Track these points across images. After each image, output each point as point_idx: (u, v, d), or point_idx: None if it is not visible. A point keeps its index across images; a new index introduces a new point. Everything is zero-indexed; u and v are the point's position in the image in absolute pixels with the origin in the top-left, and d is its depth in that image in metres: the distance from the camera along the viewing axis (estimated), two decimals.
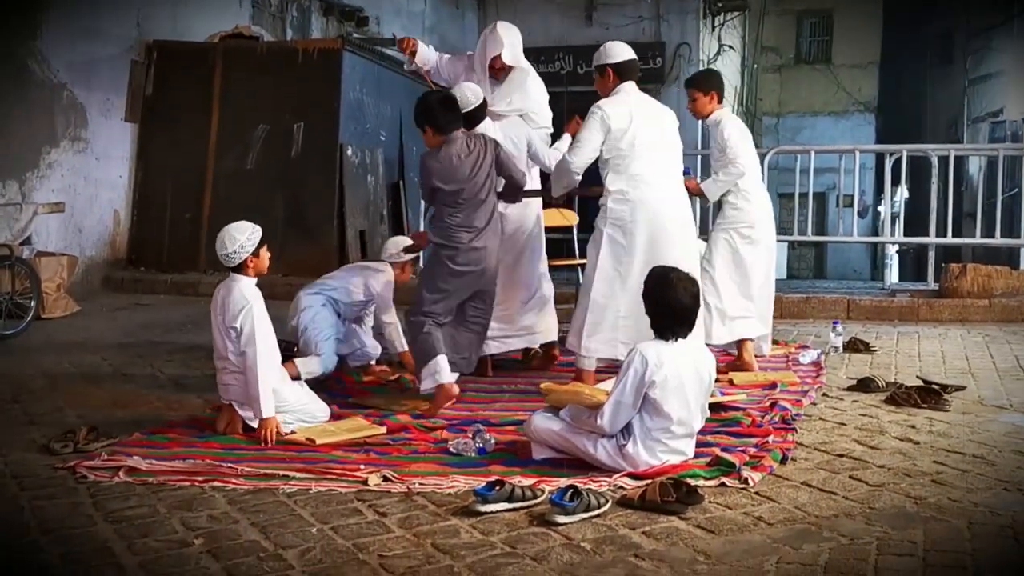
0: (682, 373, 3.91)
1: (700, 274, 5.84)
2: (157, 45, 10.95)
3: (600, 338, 5.37)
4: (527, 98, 6.19)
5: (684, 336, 3.99)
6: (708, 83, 6.31)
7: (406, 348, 5.78)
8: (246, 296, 4.57)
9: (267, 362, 4.57)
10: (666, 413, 3.88)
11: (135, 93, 10.75)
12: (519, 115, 6.11)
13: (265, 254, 4.68)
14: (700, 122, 6.63)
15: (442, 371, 5.04)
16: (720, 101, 6.26)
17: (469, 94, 5.64)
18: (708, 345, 5.96)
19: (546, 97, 6.36)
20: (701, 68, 16.51)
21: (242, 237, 4.59)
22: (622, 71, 5.54)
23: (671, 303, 3.98)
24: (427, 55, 6.38)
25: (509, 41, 6.08)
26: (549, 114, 6.31)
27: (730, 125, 6.16)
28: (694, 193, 6.23)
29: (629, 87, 5.53)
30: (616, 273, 5.35)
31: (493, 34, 6.14)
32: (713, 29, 18.24)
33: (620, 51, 5.58)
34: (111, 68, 10.38)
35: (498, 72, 6.10)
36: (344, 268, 6.51)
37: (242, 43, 11.69)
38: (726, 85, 21.31)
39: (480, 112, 5.66)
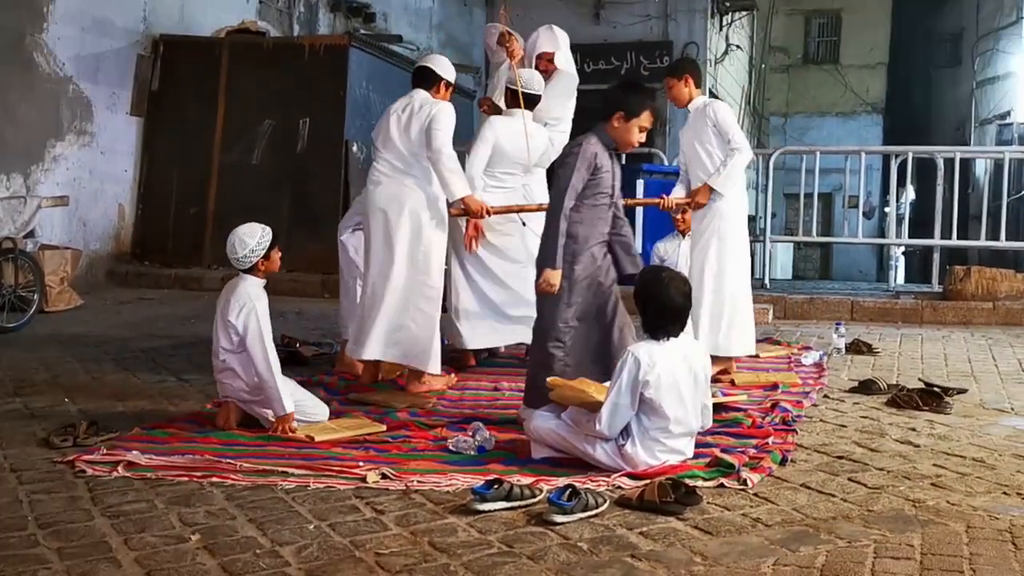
0: (675, 372, 3.92)
1: (711, 283, 5.80)
2: (163, 39, 10.98)
3: None
4: (565, 111, 6.24)
5: (675, 335, 3.99)
6: (679, 68, 6.13)
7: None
8: (251, 295, 4.58)
9: (275, 360, 4.57)
10: (663, 412, 3.87)
11: (141, 87, 10.77)
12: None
13: (276, 255, 4.70)
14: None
15: None
16: (698, 86, 6.04)
17: (535, 80, 5.91)
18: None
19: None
20: (709, 68, 16.54)
21: (252, 241, 4.60)
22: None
23: (664, 302, 3.98)
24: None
25: (565, 45, 6.17)
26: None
27: (723, 107, 5.96)
28: (695, 205, 5.86)
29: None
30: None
31: (549, 32, 6.22)
32: (721, 28, 18.24)
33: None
34: (117, 62, 10.41)
35: (540, 72, 6.14)
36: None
37: (248, 38, 11.70)
38: (733, 84, 21.20)
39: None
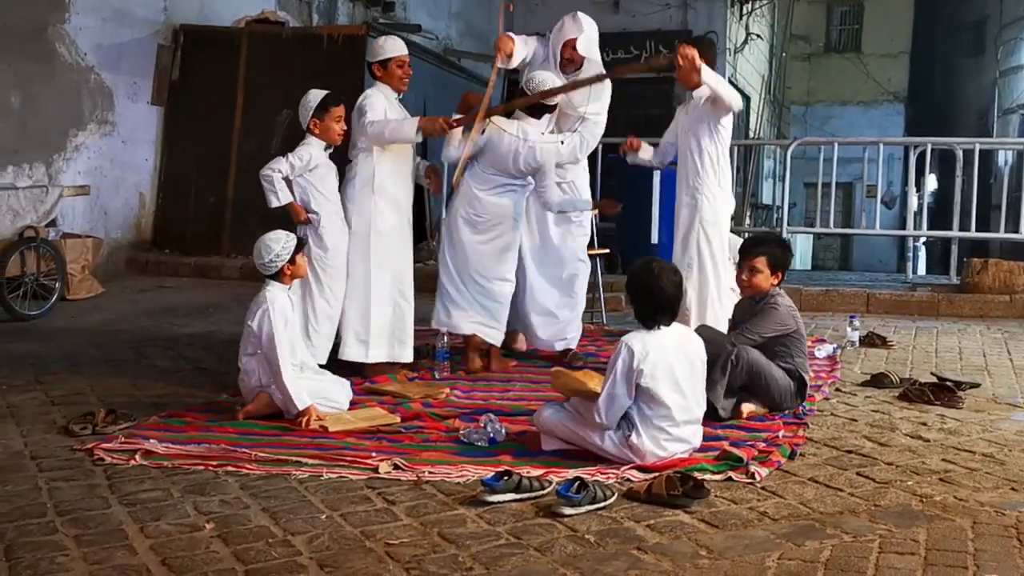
0: (670, 359, 3.96)
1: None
2: (184, 29, 11.05)
3: None
4: (601, 107, 6.10)
5: (667, 324, 4.04)
6: (697, 50, 5.99)
7: None
8: (268, 298, 4.67)
9: (289, 362, 4.62)
10: (661, 400, 3.91)
11: (162, 76, 10.85)
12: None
13: (301, 260, 4.80)
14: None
15: None
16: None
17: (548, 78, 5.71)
18: None
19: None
20: (728, 57, 16.45)
21: (277, 246, 4.69)
22: None
23: (655, 293, 4.03)
24: (523, 50, 6.12)
25: (589, 30, 6.00)
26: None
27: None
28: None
29: None
30: None
31: (575, 19, 6.03)
32: (741, 17, 18.12)
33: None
34: (138, 51, 10.48)
35: (566, 62, 6.01)
36: None
37: (268, 28, 11.75)
38: (753, 73, 20.97)
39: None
